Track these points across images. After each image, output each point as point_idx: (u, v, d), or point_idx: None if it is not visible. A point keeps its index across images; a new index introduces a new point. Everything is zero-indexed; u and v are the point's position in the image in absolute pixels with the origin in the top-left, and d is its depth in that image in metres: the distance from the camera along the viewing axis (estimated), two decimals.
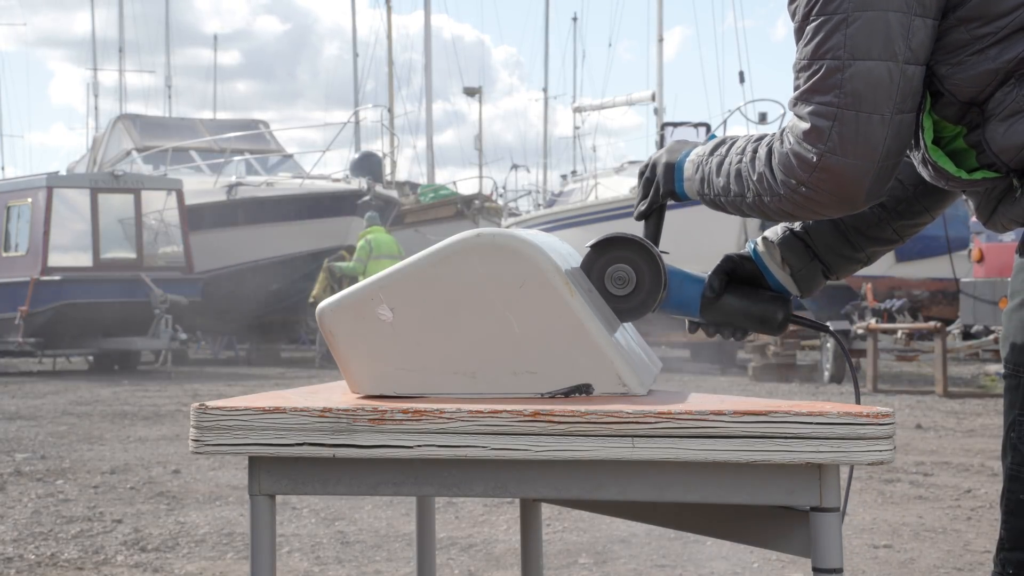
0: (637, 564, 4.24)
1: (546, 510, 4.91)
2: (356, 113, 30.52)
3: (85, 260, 16.74)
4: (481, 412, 1.38)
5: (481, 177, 28.45)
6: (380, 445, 1.39)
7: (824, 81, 1.48)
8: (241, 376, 15.36)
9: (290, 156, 22.49)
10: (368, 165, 20.24)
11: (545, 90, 46.34)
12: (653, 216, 1.79)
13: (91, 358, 18.07)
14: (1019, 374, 1.52)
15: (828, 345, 12.84)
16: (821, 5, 1.49)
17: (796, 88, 1.52)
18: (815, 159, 1.49)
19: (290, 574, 4.14)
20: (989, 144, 1.53)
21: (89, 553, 4.45)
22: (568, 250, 1.77)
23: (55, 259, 16.41)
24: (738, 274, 1.77)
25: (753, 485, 1.36)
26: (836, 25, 1.47)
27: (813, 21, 1.50)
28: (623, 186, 19.79)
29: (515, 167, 35.55)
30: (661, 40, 30.67)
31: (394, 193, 20.55)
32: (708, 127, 18.89)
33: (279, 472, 1.43)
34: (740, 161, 1.61)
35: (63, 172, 21.34)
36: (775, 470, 1.35)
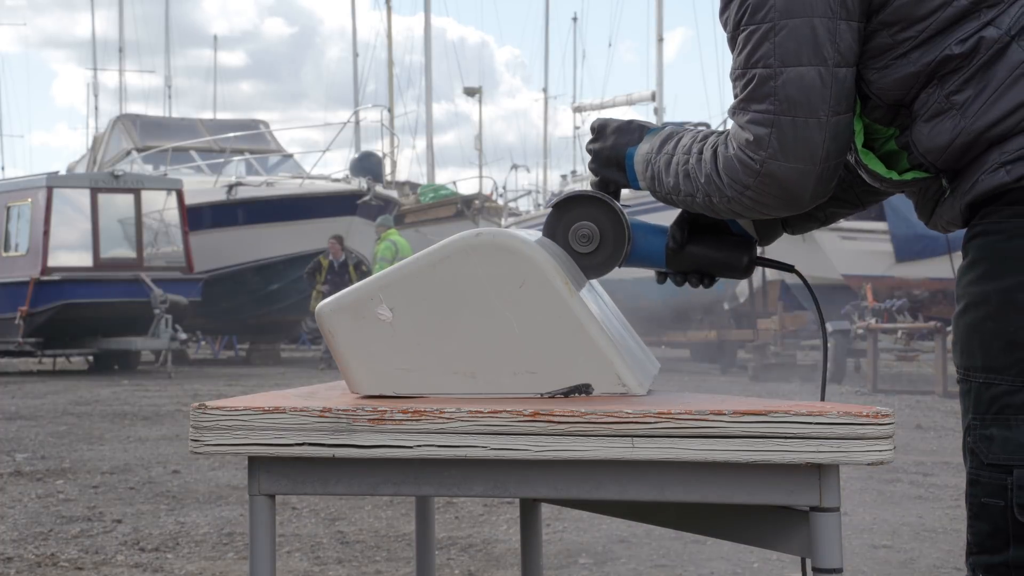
0: (637, 564, 4.24)
1: (546, 510, 4.91)
2: (356, 113, 30.53)
3: (85, 260, 16.75)
4: (481, 412, 1.38)
5: (481, 177, 28.48)
6: (380, 445, 1.39)
7: (758, 90, 1.51)
8: (241, 376, 15.36)
9: (290, 156, 22.50)
10: (368, 165, 20.24)
11: (545, 90, 46.38)
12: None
13: (91, 358, 18.07)
14: (969, 379, 1.53)
15: (829, 345, 12.82)
16: (749, 15, 1.51)
17: (735, 97, 1.55)
18: (758, 166, 1.52)
19: (290, 574, 4.14)
20: (916, 145, 1.55)
21: (89, 553, 4.45)
22: None
23: (55, 259, 16.42)
24: (700, 223, 1.77)
25: (753, 485, 1.36)
26: (764, 34, 1.50)
27: (743, 31, 1.52)
28: None
29: (515, 167, 35.58)
30: (661, 40, 30.69)
31: (394, 193, 20.56)
32: (708, 127, 18.89)
33: (279, 472, 1.43)
34: (687, 162, 1.62)
35: (63, 172, 21.35)
36: (775, 470, 1.34)
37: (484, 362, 1.52)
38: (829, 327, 12.87)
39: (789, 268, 1.88)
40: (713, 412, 1.34)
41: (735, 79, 1.55)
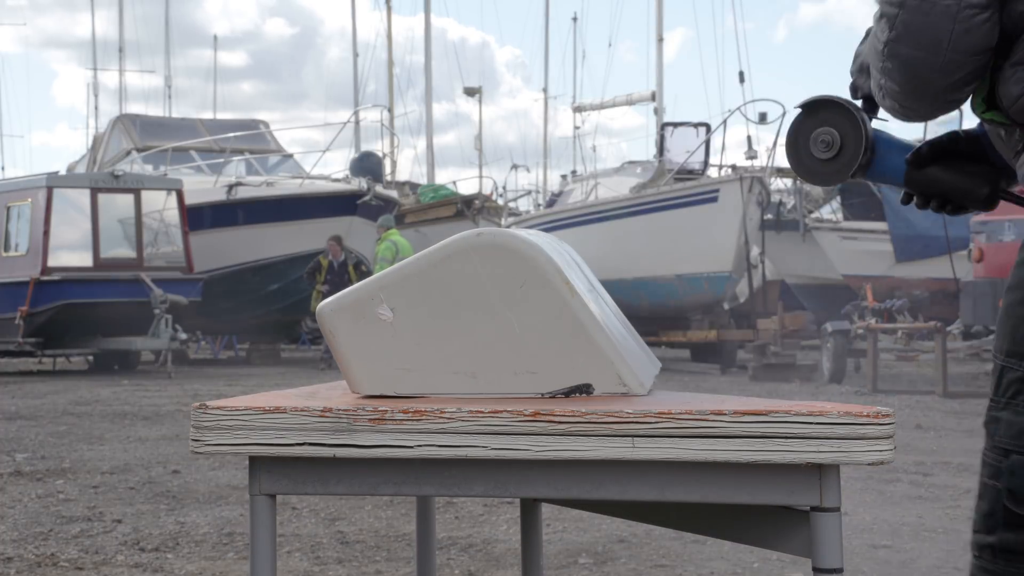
0: (637, 564, 4.24)
1: (546, 510, 4.91)
2: (356, 113, 30.53)
3: (85, 260, 16.75)
4: (481, 412, 1.38)
5: (481, 177, 28.47)
6: (380, 445, 1.39)
7: None
8: (241, 376, 15.36)
9: (290, 156, 22.50)
10: (368, 165, 20.24)
11: (545, 90, 46.31)
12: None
13: (91, 358, 18.07)
14: (996, 359, 1.53)
15: (828, 345, 12.84)
16: None
17: None
18: (882, 47, 1.48)
19: (290, 574, 4.14)
20: (997, 87, 1.50)
21: (89, 553, 4.45)
22: (568, 250, 1.77)
23: (55, 259, 16.41)
24: (960, 148, 1.69)
25: (753, 485, 1.36)
26: None
27: None
28: (623, 186, 19.80)
29: (515, 167, 35.57)
30: (661, 40, 30.67)
31: (394, 193, 20.55)
32: (708, 127, 18.89)
33: (279, 472, 1.43)
34: (872, 47, 1.54)
35: (63, 172, 21.35)
36: (775, 470, 1.35)
37: (485, 362, 1.52)
38: (829, 327, 12.88)
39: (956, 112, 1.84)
40: (713, 412, 1.34)
41: None
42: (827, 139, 1.68)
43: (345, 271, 16.91)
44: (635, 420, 1.35)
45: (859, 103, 1.71)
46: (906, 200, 1.78)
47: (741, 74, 33.36)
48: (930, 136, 1.69)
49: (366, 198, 17.69)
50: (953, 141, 1.70)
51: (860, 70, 1.67)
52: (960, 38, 1.42)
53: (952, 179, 1.70)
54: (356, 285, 1.57)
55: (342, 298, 1.56)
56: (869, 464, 1.32)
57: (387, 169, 22.44)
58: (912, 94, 1.49)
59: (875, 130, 1.71)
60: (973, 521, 1.55)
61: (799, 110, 1.70)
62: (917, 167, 1.69)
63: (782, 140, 1.87)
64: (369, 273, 16.16)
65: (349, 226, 17.34)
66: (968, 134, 1.71)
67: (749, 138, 16.75)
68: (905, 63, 1.45)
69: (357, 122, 31.42)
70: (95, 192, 16.85)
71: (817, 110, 1.69)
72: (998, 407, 1.51)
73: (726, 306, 16.86)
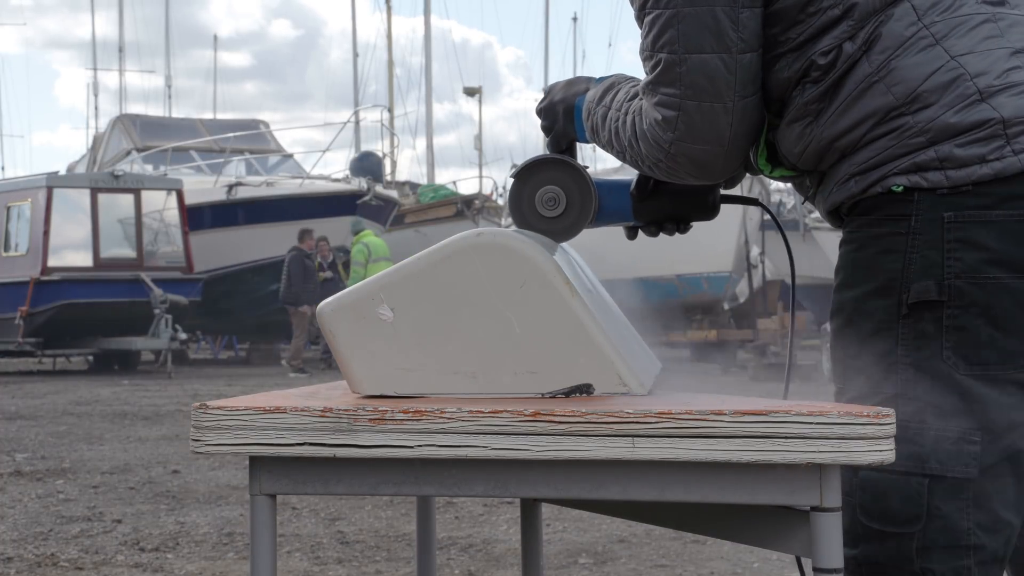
0: (637, 564, 4.24)
1: (546, 510, 4.91)
2: (356, 113, 30.54)
3: (85, 260, 16.75)
4: (482, 412, 1.38)
5: (481, 177, 28.49)
6: (381, 445, 1.39)
7: (665, 74, 1.53)
8: (241, 376, 15.37)
9: (290, 156, 22.51)
10: (368, 165, 20.25)
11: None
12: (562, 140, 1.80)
13: (91, 358, 18.08)
14: (834, 382, 1.59)
15: (828, 345, 12.83)
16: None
17: (646, 74, 1.58)
18: (667, 145, 1.56)
19: (290, 574, 4.14)
20: (778, 145, 1.60)
21: (89, 553, 4.45)
22: (569, 250, 1.77)
23: (55, 259, 16.42)
24: None
25: (753, 485, 1.36)
26: (668, 20, 1.52)
27: (649, 13, 1.55)
28: None
29: (515, 167, 35.55)
30: None
31: (394, 193, 20.57)
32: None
33: (280, 472, 1.43)
34: (617, 119, 1.65)
35: (63, 172, 21.35)
36: (775, 470, 1.35)
37: (485, 362, 1.52)
38: (829, 327, 12.86)
39: (754, 201, 1.91)
40: (714, 412, 1.34)
41: (644, 59, 1.58)
42: (552, 196, 1.69)
43: (335, 270, 16.96)
44: (635, 420, 1.35)
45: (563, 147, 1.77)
46: (632, 234, 1.86)
47: None
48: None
49: (366, 198, 17.71)
50: None
51: (566, 118, 1.76)
52: (738, 125, 1.54)
53: (677, 198, 1.76)
54: (357, 285, 1.57)
55: (343, 298, 1.56)
56: (869, 464, 1.32)
57: (387, 169, 22.45)
58: (701, 177, 1.60)
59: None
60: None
61: (512, 179, 1.72)
62: (642, 198, 1.77)
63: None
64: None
65: (349, 226, 17.36)
66: None
67: None
68: (694, 158, 1.56)
69: (357, 122, 31.44)
70: (95, 192, 16.86)
71: (532, 173, 1.71)
72: None
73: (726, 306, 16.86)
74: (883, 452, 1.32)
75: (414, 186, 27.26)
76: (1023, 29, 1.51)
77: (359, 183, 18.26)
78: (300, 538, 4.70)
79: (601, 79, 1.76)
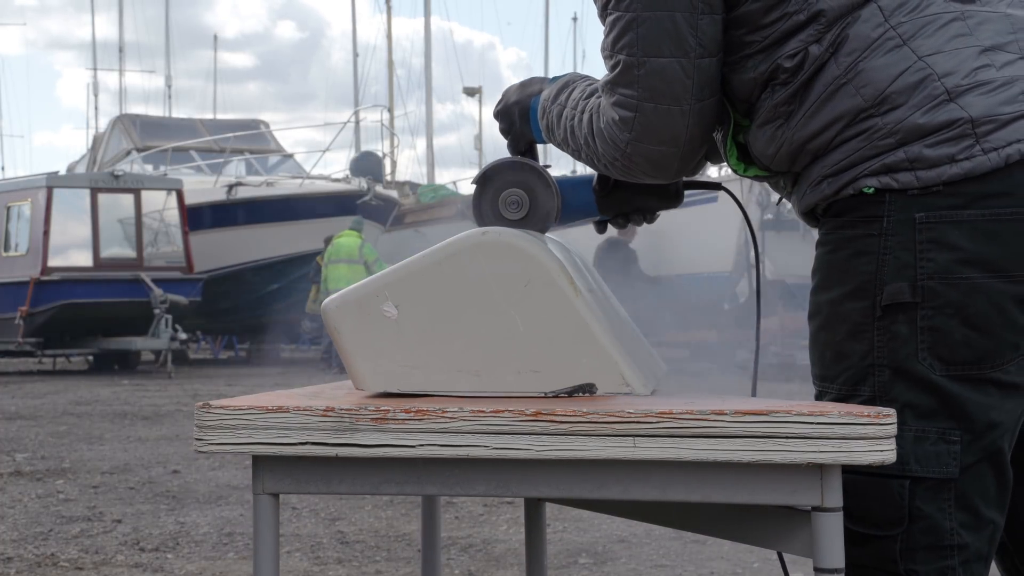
0: (637, 564, 4.24)
1: (546, 510, 4.91)
2: (356, 113, 30.54)
3: (85, 260, 16.75)
4: (483, 412, 1.38)
5: None
6: (383, 444, 1.40)
7: (623, 75, 1.55)
8: (241, 376, 15.37)
9: (290, 156, 22.51)
10: (368, 165, 20.24)
11: None
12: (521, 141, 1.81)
13: (91, 358, 18.07)
14: (814, 384, 1.61)
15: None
16: (615, 1, 1.55)
17: (606, 72, 1.59)
18: (624, 145, 1.57)
19: (290, 574, 4.14)
20: (750, 147, 1.61)
21: (89, 553, 4.45)
22: (572, 249, 1.78)
23: (55, 259, 16.42)
24: None
25: (754, 485, 1.36)
26: (628, 24, 1.54)
27: (611, 14, 1.56)
28: None
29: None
30: None
31: (394, 193, 20.57)
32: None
33: (282, 471, 1.44)
34: (573, 118, 1.66)
35: (63, 172, 21.35)
36: (776, 470, 1.35)
37: (488, 360, 1.53)
38: None
39: (716, 186, 1.91)
40: (715, 412, 1.34)
41: (605, 57, 1.59)
42: (515, 199, 1.70)
43: None
44: (636, 420, 1.35)
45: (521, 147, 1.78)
46: (602, 228, 1.87)
47: None
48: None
49: (366, 198, 17.71)
50: None
51: (522, 120, 1.77)
52: (695, 127, 1.56)
53: (639, 190, 1.77)
54: (361, 282, 1.57)
55: (347, 295, 1.56)
56: (870, 464, 1.32)
57: (387, 169, 22.45)
58: (657, 176, 1.62)
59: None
60: None
61: (474, 185, 1.72)
62: (605, 193, 1.78)
63: None
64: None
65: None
66: None
67: None
68: (650, 158, 1.58)
69: (357, 122, 31.44)
70: (95, 192, 16.86)
71: (492, 178, 1.71)
72: None
73: (726, 306, 16.86)
74: (884, 452, 1.32)
75: (414, 186, 27.25)
76: (994, 26, 1.51)
77: (359, 183, 18.26)
78: (300, 538, 4.71)
79: (555, 78, 1.77)
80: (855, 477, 1.47)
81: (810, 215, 1.59)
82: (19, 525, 4.98)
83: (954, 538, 1.47)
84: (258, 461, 1.44)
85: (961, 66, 1.47)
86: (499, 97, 1.85)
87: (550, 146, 1.81)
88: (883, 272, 1.48)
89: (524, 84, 1.81)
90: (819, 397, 1.58)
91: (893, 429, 1.33)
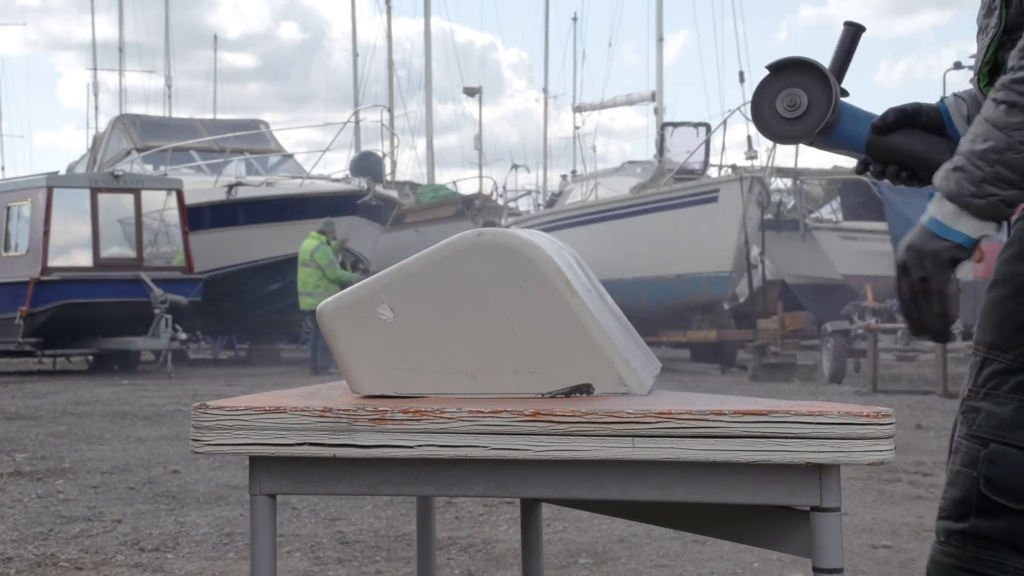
0: (637, 564, 4.24)
1: (546, 510, 4.91)
2: (356, 113, 30.54)
3: (85, 260, 16.74)
4: (482, 412, 1.38)
5: (481, 177, 28.48)
6: (381, 445, 1.39)
7: None
8: (241, 376, 15.36)
9: (290, 156, 22.50)
10: (368, 165, 20.25)
11: (545, 90, 46.23)
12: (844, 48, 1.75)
13: (91, 358, 18.07)
14: (978, 351, 1.57)
15: (828, 345, 12.84)
16: None
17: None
18: None
19: (290, 574, 4.14)
20: (1002, 67, 1.55)
21: (89, 553, 4.45)
22: (568, 250, 1.77)
23: (55, 259, 16.41)
24: (920, 120, 1.75)
25: (753, 485, 1.36)
26: None
27: None
28: (623, 186, 19.79)
29: (515, 167, 35.58)
30: (661, 40, 30.69)
31: (394, 193, 20.56)
32: (708, 127, 18.87)
33: (280, 472, 1.43)
34: (1005, 116, 1.48)
35: (63, 172, 21.34)
36: (775, 470, 1.35)
37: (485, 362, 1.52)
38: (829, 327, 12.88)
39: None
40: (714, 412, 1.34)
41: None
42: (795, 99, 1.69)
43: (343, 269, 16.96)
44: (635, 420, 1.35)
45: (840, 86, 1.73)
46: (861, 169, 1.81)
47: (741, 74, 33.30)
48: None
49: (366, 198, 17.70)
50: (916, 111, 1.74)
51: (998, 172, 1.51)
52: None
53: (914, 146, 1.73)
54: (357, 285, 1.57)
55: (343, 298, 1.56)
56: (869, 464, 1.32)
57: (387, 169, 22.45)
58: None
59: (840, 100, 1.72)
60: (940, 508, 1.58)
61: (768, 70, 1.71)
62: (882, 133, 1.73)
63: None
64: (367, 271, 16.21)
65: (349, 226, 17.35)
66: (929, 107, 1.77)
67: (749, 138, 16.74)
68: None
69: (357, 122, 31.44)
70: (95, 192, 16.85)
71: (786, 71, 1.69)
72: (977, 397, 1.56)
73: (726, 306, 16.86)
74: (883, 452, 1.32)
75: (414, 186, 27.25)
76: None
77: (359, 183, 18.25)
78: (300, 538, 4.70)
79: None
80: (1006, 449, 1.46)
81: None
82: (19, 525, 4.98)
83: None
84: (255, 462, 1.44)
85: None
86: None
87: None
88: None
89: (915, 235, 1.56)
90: (985, 364, 1.54)
91: (891, 429, 1.33)
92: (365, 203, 17.61)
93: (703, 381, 13.42)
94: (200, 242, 17.95)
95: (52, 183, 16.86)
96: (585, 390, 1.51)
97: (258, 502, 1.43)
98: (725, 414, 1.33)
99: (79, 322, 16.37)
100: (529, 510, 2.04)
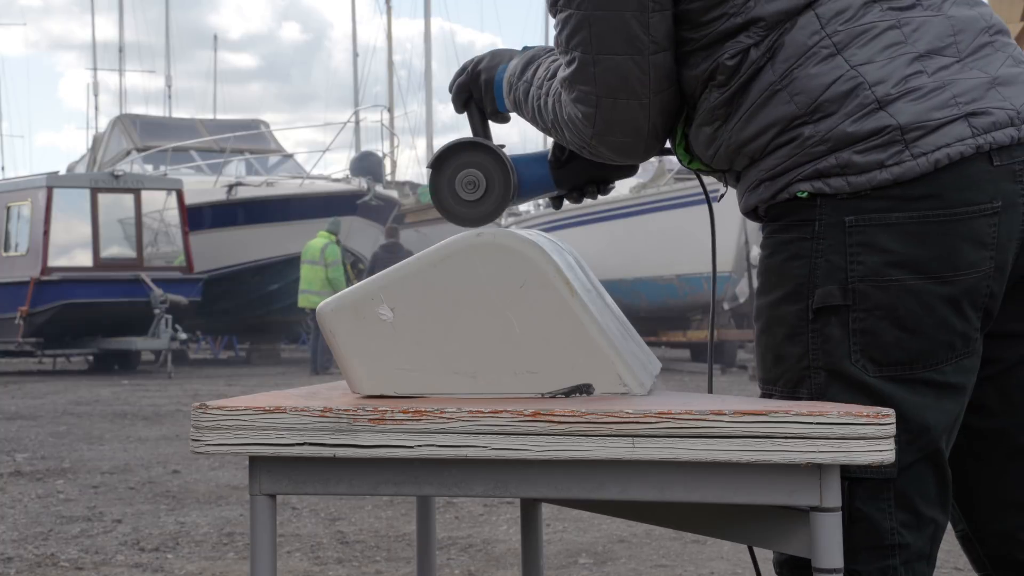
0: (637, 564, 4.24)
1: (546, 510, 4.91)
2: (356, 113, 30.55)
3: (85, 260, 16.75)
4: (481, 412, 1.38)
5: None
6: (381, 445, 1.39)
7: (580, 73, 1.56)
8: (241, 376, 15.37)
9: (290, 156, 22.51)
10: (368, 165, 20.26)
11: None
12: (476, 118, 1.81)
13: (91, 358, 18.07)
14: (760, 387, 1.61)
15: None
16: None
17: (563, 67, 1.60)
18: (588, 137, 1.60)
19: (290, 574, 4.14)
20: (692, 144, 1.63)
21: (89, 553, 4.45)
22: (568, 250, 1.77)
23: (55, 259, 16.42)
24: None
25: (753, 485, 1.36)
26: (580, 22, 1.55)
27: (562, 12, 1.57)
28: (623, 186, 19.80)
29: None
30: None
31: (394, 193, 20.57)
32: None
33: (280, 472, 1.43)
34: (539, 98, 1.68)
35: (63, 172, 21.35)
36: (775, 470, 1.35)
37: (485, 362, 1.52)
38: None
39: (670, 152, 1.91)
40: (713, 412, 1.34)
41: (559, 52, 1.60)
42: (472, 179, 1.70)
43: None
44: (635, 420, 1.35)
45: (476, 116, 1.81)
46: (558, 203, 1.87)
47: None
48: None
49: (366, 198, 17.71)
50: None
51: (487, 90, 1.79)
52: (656, 117, 1.58)
53: (594, 162, 1.75)
54: (357, 284, 1.57)
55: (343, 298, 1.56)
56: (869, 464, 1.32)
57: (387, 169, 22.46)
58: (625, 160, 1.66)
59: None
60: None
61: (429, 169, 1.72)
62: (560, 166, 1.78)
63: None
64: (366, 271, 16.22)
65: (349, 226, 17.36)
66: None
67: None
68: (615, 148, 1.61)
69: (357, 122, 31.47)
70: (95, 192, 16.86)
71: (446, 161, 1.71)
72: None
73: (726, 306, 16.86)
74: (883, 452, 1.32)
75: (414, 186, 27.26)
76: (933, 30, 1.51)
77: (359, 183, 18.26)
78: (300, 538, 4.70)
79: (524, 49, 1.77)
80: None
81: (752, 214, 1.60)
82: (19, 525, 4.98)
83: (895, 538, 1.48)
84: (255, 462, 1.44)
85: (892, 74, 1.48)
86: (460, 67, 1.85)
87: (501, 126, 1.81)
88: (815, 275, 1.49)
89: (494, 54, 1.81)
90: (764, 398, 1.59)
91: (892, 429, 1.33)
92: (365, 203, 17.62)
93: (703, 381, 13.41)
94: (200, 242, 17.96)
95: (52, 183, 16.87)
96: (585, 390, 1.51)
97: (258, 502, 1.43)
98: (725, 414, 1.33)
99: (79, 322, 16.38)
100: (529, 510, 2.04)
